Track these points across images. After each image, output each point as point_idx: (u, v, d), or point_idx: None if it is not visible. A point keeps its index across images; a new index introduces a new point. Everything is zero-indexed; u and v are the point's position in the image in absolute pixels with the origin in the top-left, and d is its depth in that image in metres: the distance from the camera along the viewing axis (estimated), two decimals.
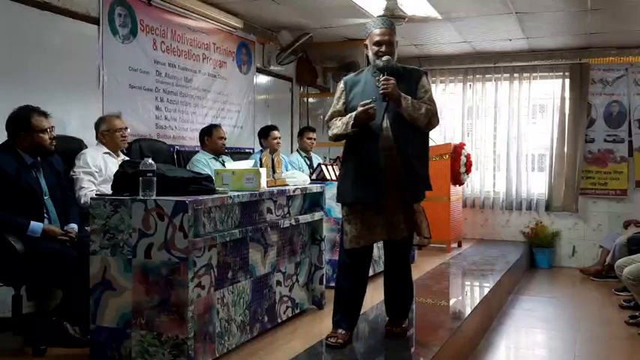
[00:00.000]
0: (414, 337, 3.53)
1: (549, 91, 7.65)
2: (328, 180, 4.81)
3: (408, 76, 3.24)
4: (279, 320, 3.55)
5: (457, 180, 6.78)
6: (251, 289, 3.25)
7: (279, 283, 3.54)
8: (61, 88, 4.16)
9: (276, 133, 5.76)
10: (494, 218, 7.88)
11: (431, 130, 3.34)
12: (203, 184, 3.00)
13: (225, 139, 5.09)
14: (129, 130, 4.25)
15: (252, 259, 3.26)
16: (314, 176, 5.00)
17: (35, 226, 3.17)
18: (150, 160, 2.80)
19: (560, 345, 4.51)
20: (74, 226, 3.37)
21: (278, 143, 5.72)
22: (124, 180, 2.92)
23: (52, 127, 3.38)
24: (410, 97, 3.13)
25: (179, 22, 5.32)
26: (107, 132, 4.04)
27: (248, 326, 3.22)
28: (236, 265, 3.11)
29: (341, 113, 3.25)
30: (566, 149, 7.45)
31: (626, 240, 6.00)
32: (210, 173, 3.34)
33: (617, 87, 7.31)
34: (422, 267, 5.62)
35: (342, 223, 3.27)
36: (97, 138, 4.06)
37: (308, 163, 6.12)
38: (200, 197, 2.81)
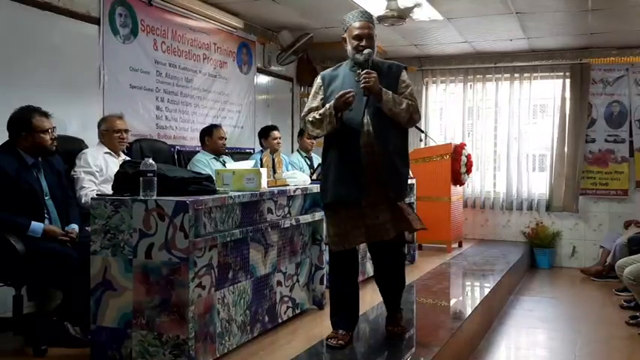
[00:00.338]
0: (415, 337, 3.53)
1: (550, 91, 7.64)
2: None
3: (388, 71, 3.16)
4: (280, 320, 3.55)
5: (458, 180, 6.78)
6: (252, 289, 3.25)
7: (279, 283, 3.54)
8: (62, 88, 4.17)
9: (276, 133, 5.76)
10: (494, 218, 7.87)
11: (412, 125, 3.23)
12: (204, 184, 3.00)
13: (225, 139, 5.10)
14: (130, 131, 4.26)
15: (253, 260, 3.26)
16: (314, 176, 5.00)
17: (36, 226, 3.18)
18: (150, 160, 2.80)
19: (560, 345, 4.51)
20: (75, 227, 3.38)
21: (278, 143, 5.72)
22: (125, 180, 2.92)
23: (54, 127, 3.38)
24: (391, 92, 3.06)
25: (180, 22, 5.33)
26: (106, 132, 4.05)
27: (249, 326, 3.22)
28: (237, 265, 3.11)
29: (318, 109, 3.15)
30: (566, 149, 7.44)
31: (627, 240, 6.00)
32: (210, 173, 3.34)
33: (617, 87, 7.30)
34: (422, 267, 5.62)
35: (326, 225, 3.24)
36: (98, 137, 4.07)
37: (308, 163, 6.12)
38: (201, 197, 2.81)
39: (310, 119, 3.14)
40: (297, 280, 3.76)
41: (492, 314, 4.93)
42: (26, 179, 3.24)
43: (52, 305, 3.51)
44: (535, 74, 7.64)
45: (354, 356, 3.11)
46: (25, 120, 3.28)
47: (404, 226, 3.17)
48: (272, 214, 3.45)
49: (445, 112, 8.08)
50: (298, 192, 3.71)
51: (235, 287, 3.10)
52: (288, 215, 3.62)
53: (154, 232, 2.73)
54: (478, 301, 4.50)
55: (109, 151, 4.00)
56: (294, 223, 3.64)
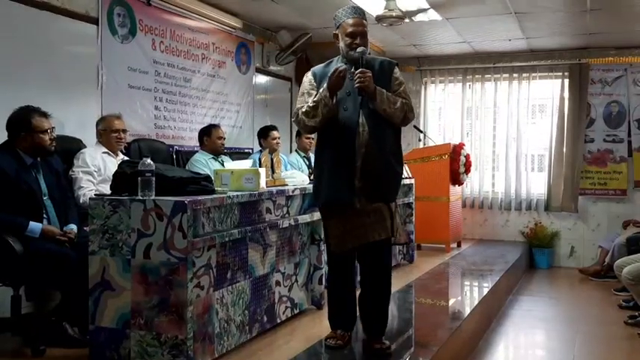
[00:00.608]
0: (413, 337, 3.53)
1: (549, 91, 7.64)
2: None
3: (380, 68, 3.05)
4: (279, 320, 3.55)
5: (456, 180, 6.78)
6: (250, 289, 3.25)
7: (278, 283, 3.54)
8: (60, 88, 4.16)
9: (275, 133, 5.76)
10: (493, 218, 7.87)
11: (406, 125, 3.14)
12: (202, 184, 3.00)
13: (224, 139, 5.09)
14: (128, 131, 4.25)
15: (252, 260, 3.26)
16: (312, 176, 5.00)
17: (34, 226, 3.17)
18: (149, 160, 2.80)
19: (559, 345, 4.51)
20: (73, 227, 3.37)
21: (277, 143, 5.71)
22: (123, 180, 2.91)
23: (53, 127, 3.38)
24: (385, 91, 2.97)
25: (178, 22, 5.32)
26: (104, 132, 4.04)
27: (247, 326, 3.22)
28: (235, 265, 3.11)
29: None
30: (565, 149, 7.45)
31: (625, 240, 6.00)
32: (209, 173, 3.33)
33: (616, 87, 7.30)
34: (421, 267, 5.62)
35: (323, 226, 3.17)
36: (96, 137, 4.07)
37: (307, 163, 6.11)
38: (199, 197, 2.81)
39: (304, 110, 3.02)
40: (296, 280, 3.75)
41: (491, 314, 4.93)
42: (25, 179, 3.24)
43: (50, 305, 3.51)
44: (534, 74, 7.65)
45: (352, 356, 3.11)
46: (24, 120, 3.28)
47: (395, 228, 3.08)
48: (271, 214, 3.44)
49: (444, 112, 8.08)
50: (297, 192, 3.71)
51: (234, 287, 3.10)
52: (286, 215, 3.62)
53: (153, 232, 2.72)
54: (477, 301, 4.50)
55: (107, 150, 4.00)
56: (293, 223, 3.64)
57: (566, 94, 7.47)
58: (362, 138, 2.95)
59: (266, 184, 3.40)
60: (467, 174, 6.99)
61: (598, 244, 7.02)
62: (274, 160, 3.82)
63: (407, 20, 5.55)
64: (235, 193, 3.09)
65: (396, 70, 3.11)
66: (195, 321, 2.75)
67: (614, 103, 7.33)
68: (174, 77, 5.30)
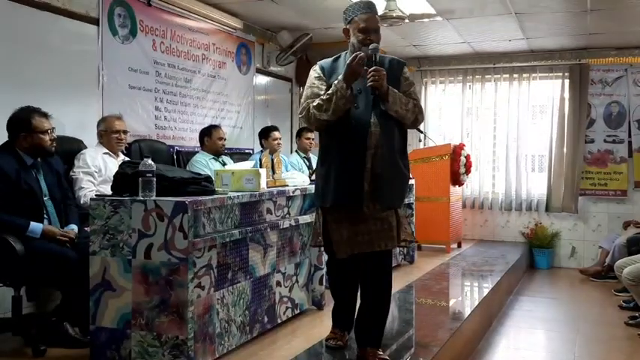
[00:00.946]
0: (414, 337, 3.53)
1: (549, 92, 7.64)
2: None
3: (390, 67, 2.89)
4: (279, 321, 3.55)
5: (457, 181, 6.78)
6: (251, 289, 3.25)
7: (278, 283, 3.54)
8: (61, 89, 4.16)
9: (276, 133, 5.76)
10: (493, 219, 7.88)
11: (416, 127, 3.06)
12: (203, 184, 3.00)
13: (224, 139, 5.10)
14: (129, 132, 4.25)
15: (252, 260, 3.26)
16: (313, 177, 5.00)
17: (35, 226, 3.17)
18: (149, 161, 2.80)
19: (559, 346, 4.51)
20: (74, 227, 3.37)
21: (278, 144, 5.72)
22: (124, 180, 2.91)
23: (53, 128, 3.38)
24: (397, 92, 2.84)
25: (179, 23, 5.33)
26: (104, 132, 4.05)
27: (248, 327, 3.22)
28: (236, 265, 3.11)
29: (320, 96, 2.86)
30: (565, 150, 7.45)
31: (626, 240, 6.00)
32: (209, 174, 3.34)
33: (616, 87, 7.31)
34: (422, 267, 5.62)
35: (323, 229, 2.97)
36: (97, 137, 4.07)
37: (307, 163, 6.11)
38: (200, 198, 2.81)
39: (315, 104, 2.83)
40: (297, 281, 3.76)
41: (491, 315, 4.93)
42: (25, 180, 3.24)
43: (51, 306, 3.51)
44: (534, 75, 7.65)
45: (353, 357, 3.11)
46: (24, 120, 3.28)
47: (403, 235, 2.98)
48: (271, 214, 3.45)
49: (444, 113, 8.08)
50: (297, 192, 3.71)
51: (234, 288, 3.10)
52: (287, 216, 3.62)
53: (153, 232, 2.73)
54: (477, 302, 4.50)
55: (107, 151, 4.00)
56: (294, 224, 3.64)
57: (567, 95, 7.47)
58: (373, 138, 2.81)
59: (266, 184, 3.40)
60: (467, 174, 6.99)
61: (598, 244, 7.03)
62: (275, 160, 3.82)
63: (407, 20, 5.55)
64: (236, 194, 3.09)
65: (406, 69, 3.01)
66: (195, 321, 2.75)
67: (614, 103, 7.33)
68: (175, 78, 5.30)
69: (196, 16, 5.50)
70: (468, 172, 6.95)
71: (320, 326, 3.53)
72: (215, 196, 2.93)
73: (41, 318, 3.39)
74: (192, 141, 5.41)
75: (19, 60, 3.89)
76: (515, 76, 7.72)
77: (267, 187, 3.42)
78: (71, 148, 3.89)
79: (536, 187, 7.71)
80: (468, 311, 4.19)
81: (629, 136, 7.27)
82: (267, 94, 6.82)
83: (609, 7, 5.47)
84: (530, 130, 7.78)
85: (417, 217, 5.96)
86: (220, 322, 2.97)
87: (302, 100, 2.99)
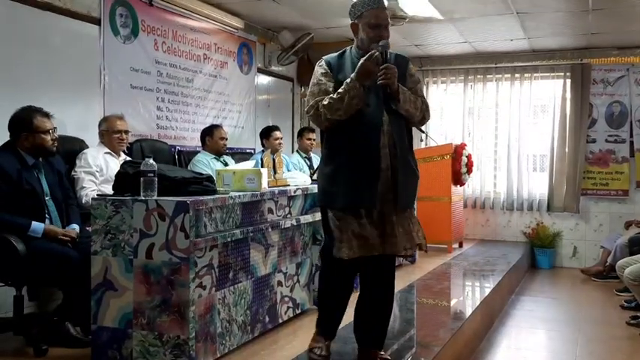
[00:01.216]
0: (415, 337, 3.53)
1: (550, 92, 7.64)
2: None
3: (396, 64, 2.76)
4: (280, 320, 3.55)
5: (458, 180, 6.78)
6: (252, 289, 3.25)
7: (280, 283, 3.54)
8: (62, 89, 4.17)
9: (278, 133, 5.76)
10: (495, 219, 7.87)
11: (422, 125, 2.97)
12: (204, 184, 3.00)
13: (226, 139, 5.10)
14: (130, 132, 4.25)
15: (254, 260, 3.26)
16: (315, 176, 5.00)
17: (36, 226, 3.17)
18: (151, 161, 2.80)
19: (561, 346, 4.51)
20: (75, 227, 3.38)
21: (280, 144, 5.72)
22: (125, 180, 2.92)
23: (55, 128, 3.38)
24: (407, 90, 2.75)
25: (180, 23, 5.33)
26: (106, 132, 4.05)
27: (249, 326, 3.22)
28: (237, 265, 3.11)
29: (329, 93, 2.73)
30: (567, 149, 7.45)
31: (627, 240, 5.99)
32: (211, 173, 3.34)
33: (618, 87, 7.30)
34: (423, 267, 5.62)
35: (328, 229, 2.80)
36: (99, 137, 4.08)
37: (308, 163, 6.12)
38: (201, 197, 2.81)
39: (326, 103, 2.69)
40: (298, 281, 3.76)
41: (493, 314, 4.93)
42: (27, 180, 3.24)
43: (52, 305, 3.51)
44: (535, 74, 7.64)
45: (354, 357, 3.11)
46: (26, 120, 3.28)
47: (416, 239, 2.85)
48: (273, 214, 3.45)
49: (446, 112, 8.08)
50: (299, 192, 3.71)
51: (236, 287, 3.10)
52: (288, 215, 3.62)
53: (155, 232, 2.73)
54: (479, 302, 4.50)
55: (109, 151, 4.00)
56: (295, 224, 3.64)
57: (568, 95, 7.47)
58: (386, 138, 2.71)
59: (268, 184, 3.40)
60: (468, 174, 6.99)
61: (600, 244, 7.02)
62: (276, 160, 3.83)
63: (408, 20, 5.55)
64: (237, 194, 3.09)
65: (410, 65, 2.90)
66: (197, 321, 2.75)
67: (615, 103, 7.32)
68: (177, 77, 5.30)
69: (198, 15, 5.50)
70: (469, 171, 6.95)
71: None
72: (216, 196, 2.93)
73: (43, 318, 3.39)
74: (193, 141, 5.41)
75: (20, 60, 3.89)
76: (517, 75, 7.71)
77: (269, 187, 3.42)
78: (73, 148, 3.90)
79: (538, 186, 7.71)
80: (469, 311, 4.19)
81: (631, 135, 7.26)
82: (268, 94, 6.82)
83: (611, 6, 5.47)
84: (532, 130, 7.78)
85: (419, 217, 5.88)
86: (222, 321, 2.98)
87: (308, 97, 2.85)
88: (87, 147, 3.99)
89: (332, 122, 2.73)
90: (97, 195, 3.15)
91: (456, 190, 6.88)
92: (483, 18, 5.93)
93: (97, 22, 4.45)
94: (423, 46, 7.27)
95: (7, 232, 3.07)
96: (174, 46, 5.25)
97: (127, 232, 2.78)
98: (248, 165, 3.87)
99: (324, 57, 2.91)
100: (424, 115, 2.87)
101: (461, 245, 7.11)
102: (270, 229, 3.39)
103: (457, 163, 6.69)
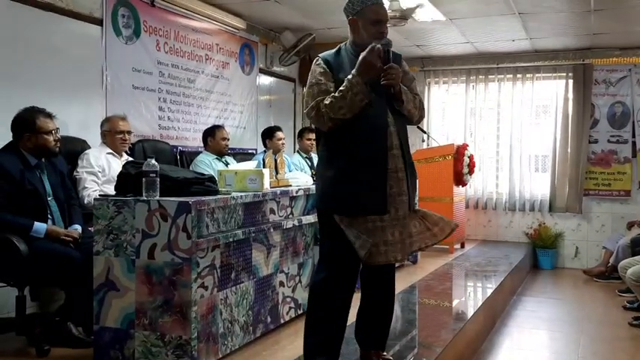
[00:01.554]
0: (417, 337, 3.53)
1: (552, 92, 7.62)
2: None
3: (393, 62, 2.62)
4: (282, 321, 3.55)
5: (460, 181, 6.77)
6: (254, 289, 3.25)
7: (282, 283, 3.54)
8: (64, 89, 4.18)
9: (280, 134, 5.76)
10: (497, 219, 7.86)
11: (418, 124, 2.90)
12: (206, 184, 3.01)
13: (228, 139, 5.10)
14: (133, 133, 4.26)
15: (255, 260, 3.26)
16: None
17: (39, 226, 3.18)
18: (153, 161, 2.80)
19: (563, 346, 4.50)
20: (77, 227, 3.38)
21: (282, 144, 5.72)
22: (128, 180, 2.92)
23: (57, 128, 3.38)
24: (407, 90, 2.68)
25: (182, 23, 5.33)
26: (108, 132, 4.05)
27: (251, 327, 3.22)
28: (239, 265, 3.11)
29: (329, 93, 2.59)
30: (569, 150, 7.43)
31: (630, 241, 5.98)
32: (213, 174, 3.34)
33: (620, 88, 7.29)
34: (425, 268, 5.62)
35: (341, 233, 2.58)
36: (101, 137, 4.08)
37: (309, 163, 6.12)
38: (203, 198, 2.81)
39: (327, 102, 2.55)
40: (300, 281, 3.76)
41: (495, 315, 4.92)
42: (29, 180, 3.25)
43: (54, 306, 3.52)
44: (537, 75, 7.63)
45: (355, 356, 3.11)
46: (28, 121, 3.28)
47: (429, 238, 2.75)
48: (274, 214, 3.45)
49: (447, 113, 8.07)
50: (301, 193, 3.71)
51: (238, 288, 3.10)
52: (290, 216, 3.62)
53: (157, 232, 2.73)
54: (481, 302, 4.49)
55: (111, 151, 4.01)
56: (297, 224, 3.64)
57: (570, 95, 7.45)
58: (393, 138, 2.62)
59: (270, 184, 3.41)
60: (470, 175, 6.98)
61: (602, 245, 7.01)
62: (278, 160, 3.83)
63: (410, 20, 5.54)
64: (239, 194, 3.09)
65: (404, 62, 2.77)
66: (199, 321, 2.76)
67: (618, 103, 7.31)
68: (179, 78, 5.31)
69: (200, 16, 5.50)
70: (471, 172, 6.94)
71: None
72: (218, 197, 2.94)
73: (45, 318, 3.39)
74: (195, 141, 5.42)
75: (22, 60, 3.90)
76: (519, 76, 7.70)
77: (271, 188, 3.43)
78: (75, 149, 3.90)
79: (540, 187, 7.69)
80: (471, 312, 4.19)
81: (633, 136, 7.25)
82: (270, 95, 6.83)
83: (613, 7, 5.46)
84: (534, 130, 7.76)
85: None
86: (223, 322, 2.98)
87: (307, 99, 2.71)
88: (89, 147, 4.00)
89: (336, 122, 2.57)
90: (99, 195, 3.16)
91: (458, 191, 6.87)
92: (485, 18, 5.93)
93: (99, 22, 4.45)
94: (424, 46, 7.27)
95: (10, 233, 3.08)
96: (176, 46, 5.25)
97: (129, 233, 2.78)
98: (250, 165, 3.87)
99: (320, 55, 2.78)
100: (421, 115, 2.82)
101: (463, 246, 7.10)
102: (272, 230, 3.39)
103: (459, 164, 6.68)
